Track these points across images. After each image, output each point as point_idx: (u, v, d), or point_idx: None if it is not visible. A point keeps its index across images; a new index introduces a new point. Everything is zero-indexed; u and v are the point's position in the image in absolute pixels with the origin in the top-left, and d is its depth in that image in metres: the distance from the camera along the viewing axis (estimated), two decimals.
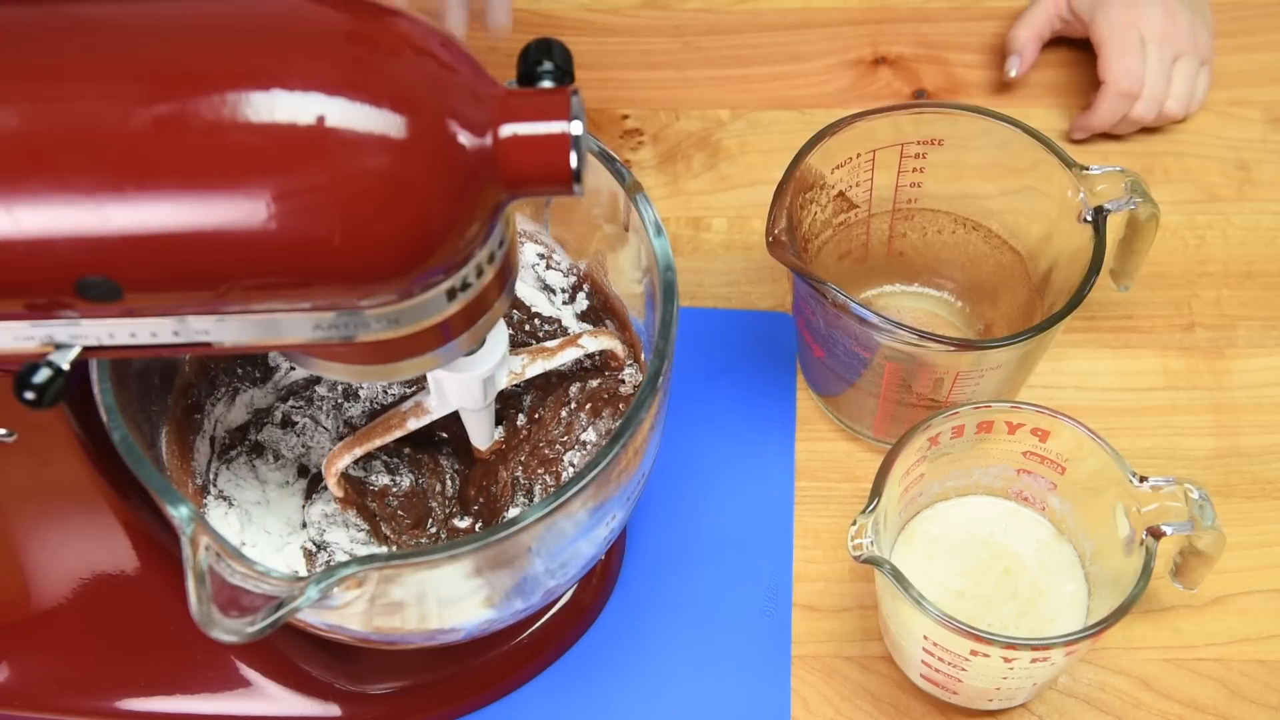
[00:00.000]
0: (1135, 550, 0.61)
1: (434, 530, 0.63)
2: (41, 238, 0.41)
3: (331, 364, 0.48)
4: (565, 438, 0.63)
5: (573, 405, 0.64)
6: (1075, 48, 0.92)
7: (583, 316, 0.67)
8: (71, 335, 0.44)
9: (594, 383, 0.64)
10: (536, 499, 0.62)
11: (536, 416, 0.64)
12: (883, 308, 0.80)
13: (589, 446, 0.63)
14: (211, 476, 0.62)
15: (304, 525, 0.62)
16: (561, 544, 0.55)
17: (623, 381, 0.65)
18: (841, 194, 0.74)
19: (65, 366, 0.45)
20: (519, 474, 0.63)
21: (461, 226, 0.43)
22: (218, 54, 0.41)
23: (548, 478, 0.63)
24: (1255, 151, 0.88)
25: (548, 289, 0.68)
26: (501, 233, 0.46)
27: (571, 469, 0.63)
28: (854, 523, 0.60)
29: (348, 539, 0.61)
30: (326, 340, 0.46)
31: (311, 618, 0.55)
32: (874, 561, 0.59)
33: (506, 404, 0.64)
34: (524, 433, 0.64)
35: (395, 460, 0.63)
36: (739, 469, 0.76)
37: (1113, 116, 0.86)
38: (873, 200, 0.75)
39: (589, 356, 0.65)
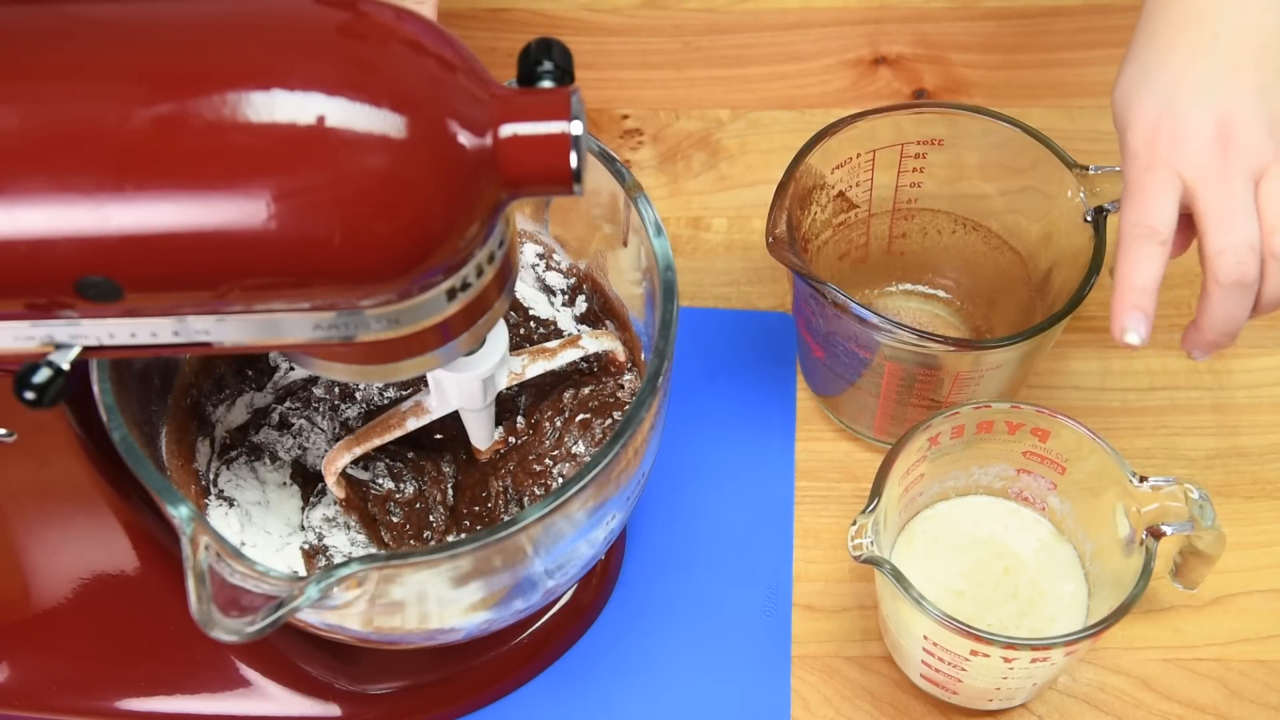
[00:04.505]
0: (1135, 550, 0.61)
1: (432, 542, 0.63)
2: (41, 238, 0.41)
3: (332, 364, 0.48)
4: (556, 450, 0.63)
5: (566, 414, 0.64)
6: (1076, 48, 0.92)
7: (582, 319, 0.67)
8: (71, 335, 0.44)
9: (586, 389, 0.64)
10: None
11: (534, 421, 0.64)
12: (883, 308, 0.80)
13: (579, 459, 0.63)
14: (212, 477, 0.62)
15: (303, 528, 0.62)
16: (561, 544, 0.55)
17: (621, 387, 0.64)
18: (841, 194, 0.74)
19: (65, 366, 0.45)
20: (508, 484, 0.63)
21: (461, 226, 0.43)
22: (217, 54, 0.41)
23: (537, 489, 0.63)
24: None
25: (547, 290, 0.68)
26: (501, 233, 0.46)
27: (562, 480, 0.63)
28: (854, 523, 0.60)
29: (347, 542, 0.61)
30: (326, 340, 0.46)
31: (311, 618, 0.55)
32: (874, 561, 0.59)
33: (502, 408, 0.64)
34: (520, 440, 0.64)
35: (399, 465, 0.63)
36: (739, 469, 0.76)
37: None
38: (873, 200, 0.75)
39: (587, 360, 0.65)
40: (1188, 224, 0.58)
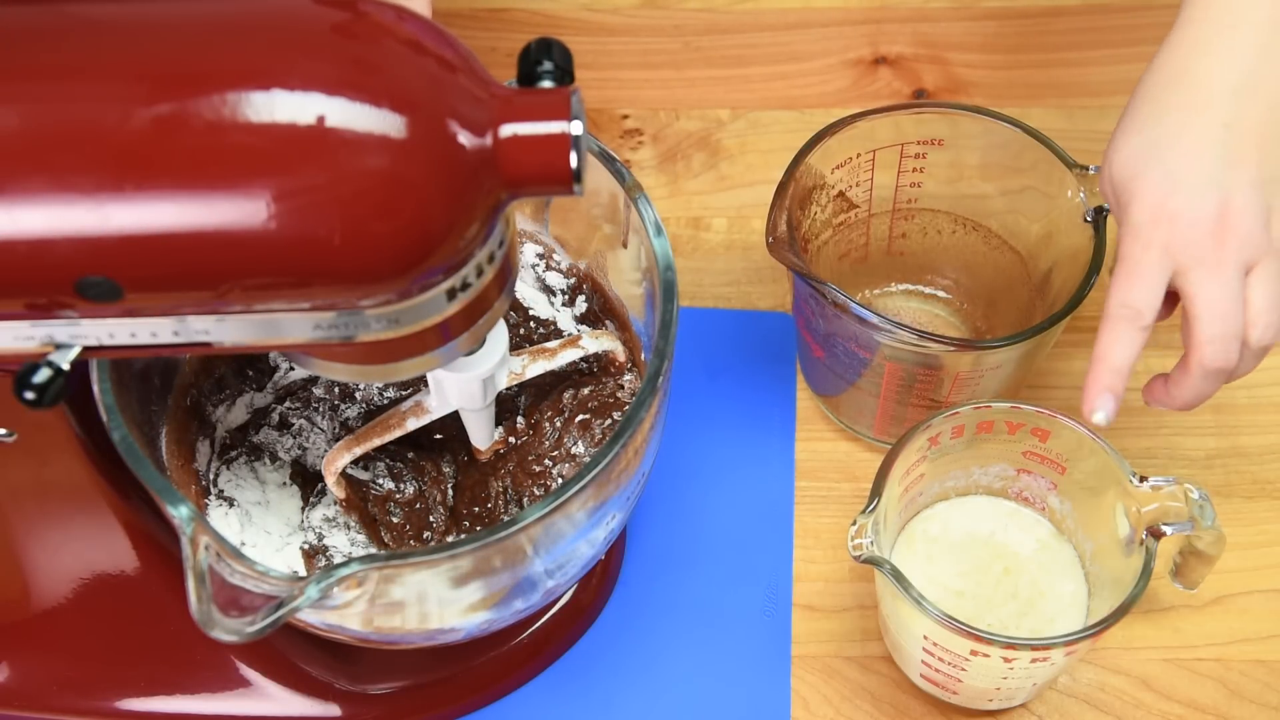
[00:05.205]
0: (1135, 550, 0.61)
1: (433, 542, 0.63)
2: (41, 238, 0.41)
3: (332, 364, 0.48)
4: (556, 451, 0.63)
5: (566, 414, 0.64)
6: (1076, 48, 0.92)
7: (582, 319, 0.67)
8: (71, 335, 0.44)
9: (586, 389, 0.64)
10: None
11: (534, 421, 0.64)
12: (883, 308, 0.80)
13: (578, 459, 0.63)
14: (212, 477, 0.62)
15: (303, 528, 0.62)
16: (561, 544, 0.55)
17: (621, 387, 0.64)
18: (841, 194, 0.74)
19: (65, 366, 0.45)
20: (508, 484, 0.63)
21: (461, 226, 0.43)
22: (217, 54, 0.41)
23: (537, 490, 0.63)
24: None
25: (547, 289, 0.68)
26: (501, 233, 0.46)
27: (561, 481, 0.63)
28: (854, 523, 0.60)
29: (347, 542, 0.61)
30: (326, 340, 0.46)
31: (311, 618, 0.55)
32: (874, 561, 0.59)
33: (502, 408, 0.64)
34: (520, 440, 0.64)
35: (399, 465, 0.63)
36: (739, 469, 0.76)
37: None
38: (873, 200, 0.75)
39: (587, 360, 0.65)
40: (1171, 296, 0.60)
